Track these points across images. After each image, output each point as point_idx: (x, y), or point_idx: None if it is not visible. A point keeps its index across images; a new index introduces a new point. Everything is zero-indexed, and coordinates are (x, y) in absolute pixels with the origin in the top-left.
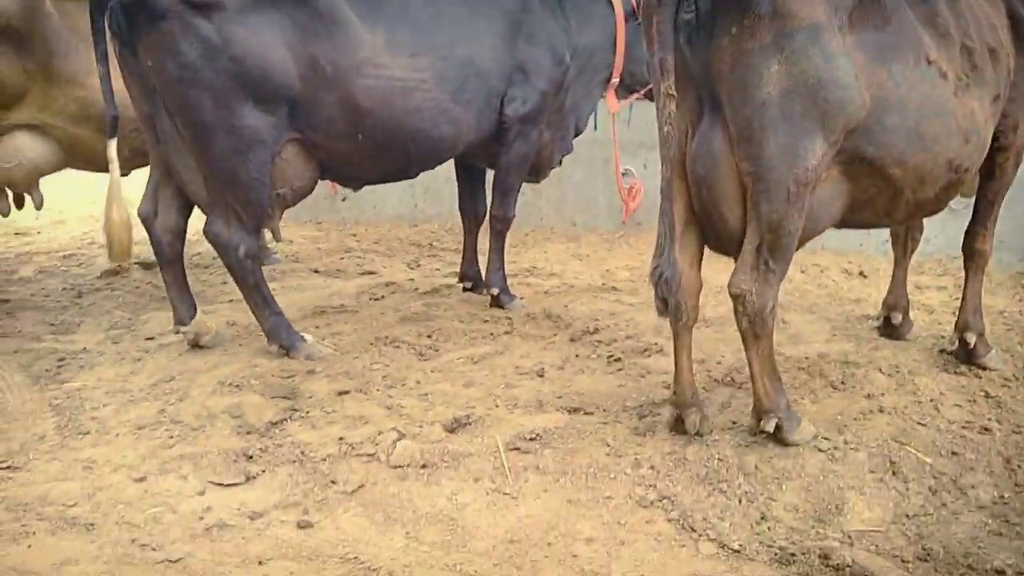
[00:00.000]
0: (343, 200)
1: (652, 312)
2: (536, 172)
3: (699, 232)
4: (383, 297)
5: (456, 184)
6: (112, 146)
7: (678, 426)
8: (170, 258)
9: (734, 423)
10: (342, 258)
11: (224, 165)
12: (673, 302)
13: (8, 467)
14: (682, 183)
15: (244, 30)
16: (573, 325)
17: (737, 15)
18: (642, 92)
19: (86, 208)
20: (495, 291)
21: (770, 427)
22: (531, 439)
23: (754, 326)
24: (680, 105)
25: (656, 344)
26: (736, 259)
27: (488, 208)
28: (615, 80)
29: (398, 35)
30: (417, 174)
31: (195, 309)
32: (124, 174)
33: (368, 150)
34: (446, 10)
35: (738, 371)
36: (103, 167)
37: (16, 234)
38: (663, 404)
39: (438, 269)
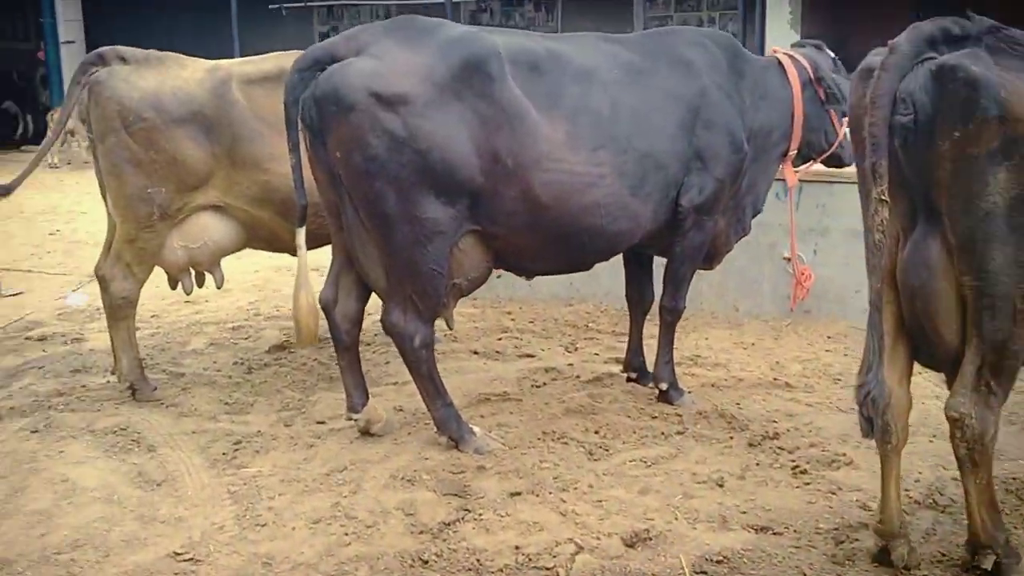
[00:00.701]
0: (498, 276)
1: (834, 416)
2: (710, 259)
3: (909, 347)
4: (545, 384)
5: (614, 266)
6: (301, 234)
7: (883, 557)
8: (347, 345)
9: (943, 555)
10: (500, 338)
11: (404, 255)
12: (880, 423)
13: (190, 559)
14: (892, 294)
15: (430, 123)
16: (749, 427)
17: (960, 118)
18: (819, 159)
19: (248, 278)
20: (664, 386)
21: (988, 564)
22: (718, 561)
23: (973, 453)
24: (892, 211)
25: (844, 455)
26: (951, 377)
27: (656, 296)
28: (792, 152)
29: (578, 129)
30: (592, 266)
31: (367, 396)
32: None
33: (545, 243)
34: (625, 100)
35: (939, 492)
36: (280, 247)
37: (186, 302)
38: (862, 530)
39: (597, 354)
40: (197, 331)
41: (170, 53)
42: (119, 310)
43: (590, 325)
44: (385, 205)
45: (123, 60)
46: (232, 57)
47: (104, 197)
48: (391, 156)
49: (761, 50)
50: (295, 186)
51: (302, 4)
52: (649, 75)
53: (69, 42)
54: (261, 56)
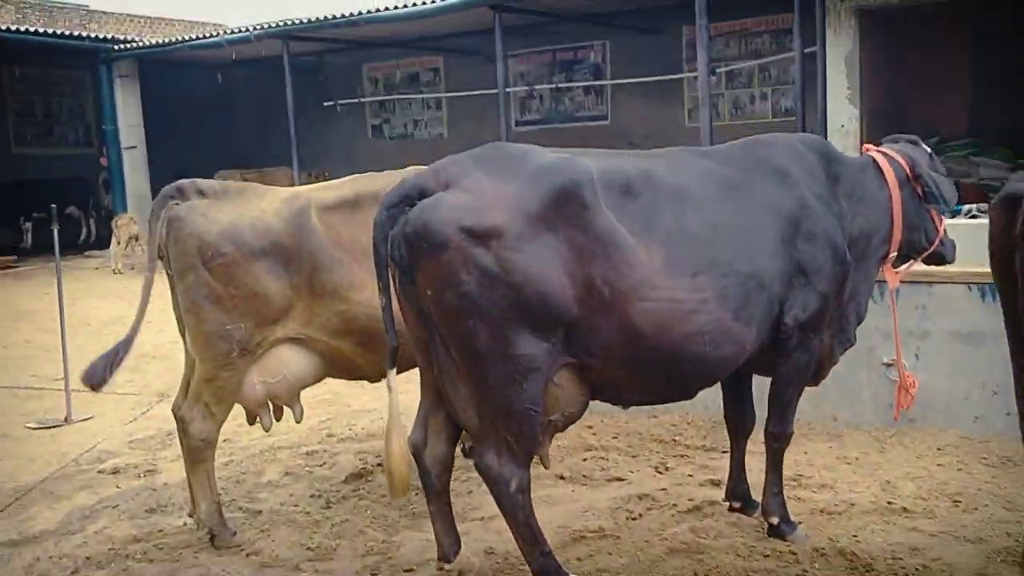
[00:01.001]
0: None
1: (961, 548)
2: (816, 375)
3: None
4: (640, 516)
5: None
6: (392, 376)
7: None
8: (438, 490)
9: None
10: (585, 459)
11: (498, 395)
12: None
13: None
14: None
15: (523, 257)
16: (873, 567)
17: None
18: (919, 258)
19: (317, 392)
20: (774, 519)
21: None
22: None
23: None
24: None
25: None
26: None
27: (757, 417)
28: (893, 254)
29: (676, 253)
30: (696, 395)
31: (459, 543)
32: (376, 380)
33: (646, 374)
34: (722, 219)
35: None
36: (360, 376)
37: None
38: None
39: (691, 475)
40: (271, 458)
41: (248, 184)
42: (198, 452)
43: (677, 439)
44: (478, 343)
45: (201, 193)
46: (290, 153)
47: (183, 335)
48: (484, 292)
49: (824, 129)
50: (386, 327)
51: (356, 100)
52: (745, 190)
53: (131, 147)
54: (339, 181)
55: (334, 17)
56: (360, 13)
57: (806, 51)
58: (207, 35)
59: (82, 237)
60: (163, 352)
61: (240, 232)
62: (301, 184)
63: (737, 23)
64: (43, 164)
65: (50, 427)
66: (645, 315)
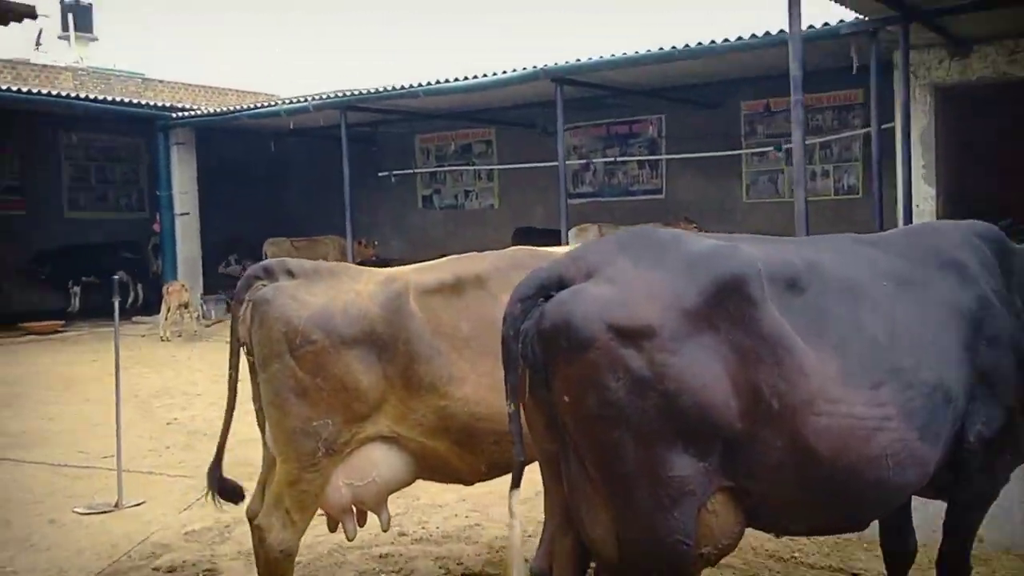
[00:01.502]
0: None
1: None
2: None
3: None
4: None
5: None
6: (514, 498)
7: None
8: None
9: None
10: None
11: (643, 522)
12: None
13: None
14: None
15: (679, 360)
16: None
17: None
18: None
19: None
20: None
21: None
22: None
23: None
24: None
25: None
26: None
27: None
28: None
29: (853, 359)
30: (867, 525)
31: None
32: (470, 482)
33: (815, 500)
34: (901, 320)
35: None
36: (454, 480)
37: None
38: None
39: None
40: (340, 559)
41: (340, 264)
42: (275, 566)
43: (797, 556)
44: (622, 460)
45: (290, 273)
46: (338, 221)
47: (261, 429)
48: (632, 401)
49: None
50: (514, 439)
51: (411, 171)
52: (921, 286)
53: (184, 214)
54: (436, 262)
55: (392, 88)
56: (419, 85)
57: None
58: (259, 104)
59: (130, 302)
60: (216, 428)
61: (331, 317)
62: (352, 252)
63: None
64: (94, 228)
65: (100, 512)
66: (821, 433)
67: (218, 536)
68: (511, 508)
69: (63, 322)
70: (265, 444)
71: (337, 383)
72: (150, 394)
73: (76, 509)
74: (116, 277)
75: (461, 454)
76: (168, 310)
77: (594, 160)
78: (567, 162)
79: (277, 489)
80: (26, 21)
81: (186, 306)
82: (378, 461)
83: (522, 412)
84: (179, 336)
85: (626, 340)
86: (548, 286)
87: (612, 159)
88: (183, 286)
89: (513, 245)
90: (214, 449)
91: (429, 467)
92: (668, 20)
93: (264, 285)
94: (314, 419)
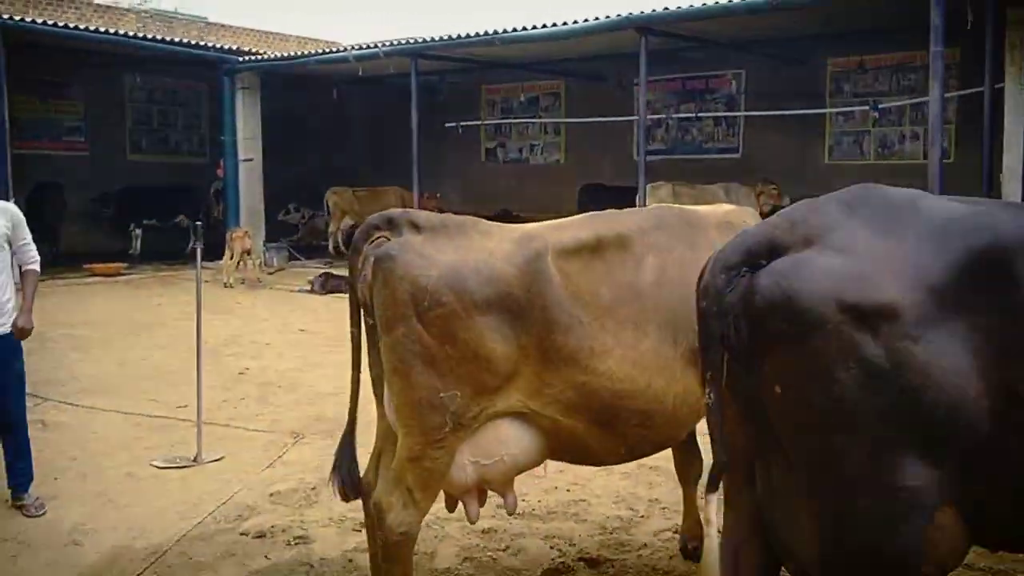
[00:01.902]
0: None
1: None
2: None
3: None
4: None
5: None
6: (713, 504)
7: None
8: None
9: None
10: None
11: (864, 537)
12: None
13: None
14: None
15: (924, 349)
16: None
17: None
18: None
19: None
20: None
21: None
22: None
23: None
24: None
25: None
26: None
27: None
28: None
29: None
30: None
31: None
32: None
33: None
34: None
35: None
36: (589, 462)
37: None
38: None
39: None
40: (440, 533)
41: (469, 218)
42: (395, 549)
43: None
44: (843, 465)
45: (415, 227)
46: (399, 171)
47: (378, 397)
48: (864, 396)
49: (988, 172)
50: (712, 435)
51: (479, 122)
52: None
53: (248, 159)
54: (572, 219)
55: (467, 36)
56: (495, 32)
57: (970, 91)
58: (322, 51)
59: (189, 247)
60: (289, 381)
61: (463, 278)
62: (418, 204)
63: (888, 56)
64: (156, 171)
65: (179, 467)
66: None
67: (304, 499)
68: (709, 516)
69: (126, 264)
70: (381, 414)
71: (468, 351)
72: (218, 342)
73: (154, 462)
74: (198, 223)
75: (600, 435)
76: (231, 257)
77: (672, 116)
78: (653, 116)
79: (398, 465)
80: None
81: (248, 252)
82: (507, 439)
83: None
84: (242, 283)
85: (862, 323)
86: (757, 253)
87: (693, 115)
88: (246, 232)
89: (580, 202)
90: (290, 404)
91: (562, 447)
92: None
93: (386, 238)
94: (442, 390)
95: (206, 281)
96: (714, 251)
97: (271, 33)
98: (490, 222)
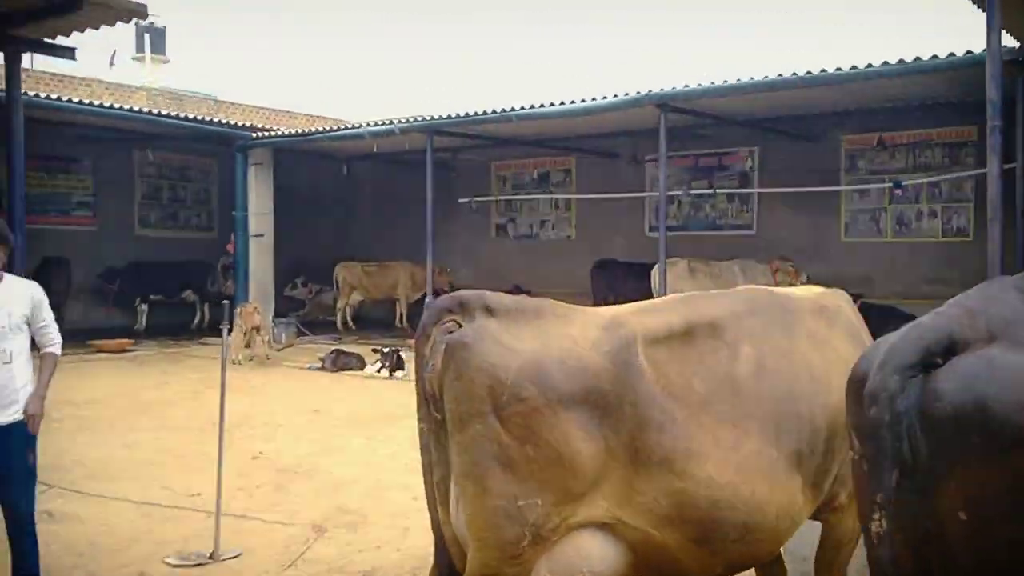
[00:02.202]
0: None
1: None
2: None
3: None
4: None
5: None
6: None
7: None
8: None
9: None
10: None
11: None
12: None
13: None
14: None
15: None
16: None
17: None
18: None
19: None
20: None
21: None
22: None
23: None
24: None
25: None
26: None
27: None
28: None
29: None
30: None
31: None
32: None
33: None
34: None
35: None
36: None
37: None
38: None
39: None
40: None
41: (545, 300)
42: None
43: None
44: None
45: (489, 311)
46: (409, 248)
47: (443, 503)
48: None
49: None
50: (881, 569)
51: (492, 198)
52: None
53: (259, 235)
54: (658, 302)
55: (484, 112)
56: (512, 109)
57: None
58: (335, 127)
59: (195, 322)
60: (307, 467)
61: (547, 370)
62: (432, 280)
63: (906, 134)
64: (163, 247)
65: (195, 564)
66: None
67: None
68: None
69: (133, 340)
70: (443, 521)
71: (551, 452)
72: (230, 423)
73: (168, 560)
74: (226, 301)
75: (695, 550)
76: (242, 333)
77: (689, 192)
78: (672, 193)
79: None
80: (102, 42)
81: (258, 329)
82: (591, 553)
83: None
84: (251, 360)
85: None
86: (934, 350)
87: (711, 190)
88: (256, 308)
89: (594, 278)
90: (309, 493)
91: (650, 563)
92: (735, 49)
93: (457, 323)
94: (520, 497)
95: (213, 358)
96: (821, 340)
97: (280, 111)
98: (567, 305)
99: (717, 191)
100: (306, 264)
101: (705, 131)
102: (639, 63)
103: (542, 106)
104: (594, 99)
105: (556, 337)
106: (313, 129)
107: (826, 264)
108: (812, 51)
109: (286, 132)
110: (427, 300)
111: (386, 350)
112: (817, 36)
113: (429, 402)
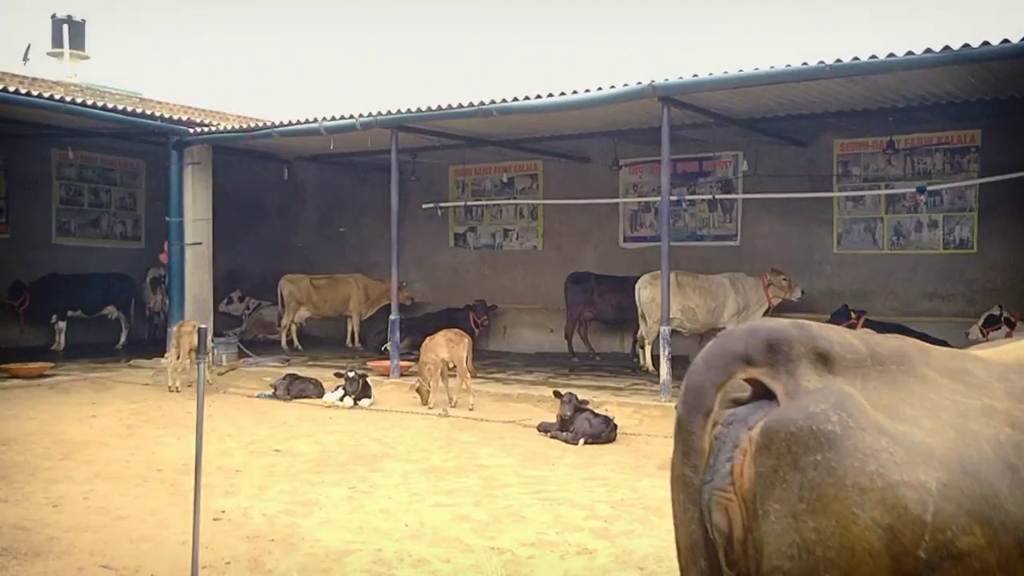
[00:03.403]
0: None
1: None
2: None
3: None
4: None
5: None
6: None
7: None
8: None
9: None
10: None
11: None
12: None
13: None
14: None
15: None
16: None
17: None
18: None
19: None
20: None
21: None
22: None
23: None
24: None
25: None
26: None
27: None
28: None
29: None
30: None
31: None
32: None
33: None
34: None
35: None
36: None
37: None
38: None
39: None
40: None
41: (907, 340)
42: None
43: None
44: None
45: (825, 360)
46: (357, 258)
47: None
48: None
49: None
50: None
51: (461, 204)
52: None
53: (196, 243)
54: (1012, 347)
55: (460, 106)
56: (492, 101)
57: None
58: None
59: (120, 342)
60: (283, 532)
61: (991, 490)
62: (397, 296)
63: (916, 137)
64: (85, 257)
65: None
66: None
67: None
68: None
69: (52, 364)
70: None
71: None
72: (176, 468)
73: None
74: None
75: None
76: (177, 356)
77: (687, 197)
78: (685, 197)
79: None
80: (16, 34)
81: (192, 351)
82: None
83: None
84: (189, 386)
85: None
86: None
87: (714, 196)
88: (195, 326)
89: (569, 292)
90: (295, 567)
91: None
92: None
93: (761, 385)
94: None
95: (146, 384)
96: None
97: (210, 111)
98: (942, 348)
99: (717, 197)
100: (243, 277)
101: (687, 133)
102: (626, 59)
103: (527, 98)
104: (587, 91)
105: (967, 414)
106: (262, 124)
107: (817, 278)
108: (799, 43)
109: (229, 127)
110: (392, 318)
111: (351, 374)
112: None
113: (713, 547)
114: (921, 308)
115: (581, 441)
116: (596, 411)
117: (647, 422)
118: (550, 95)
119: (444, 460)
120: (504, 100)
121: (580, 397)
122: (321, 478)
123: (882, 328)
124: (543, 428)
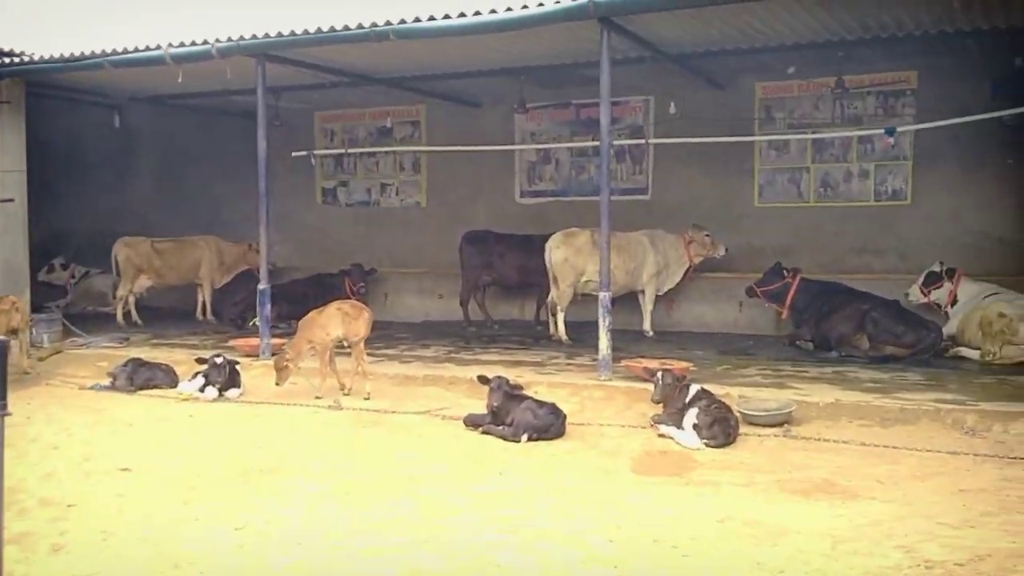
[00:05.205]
0: None
1: None
2: None
3: None
4: None
5: None
6: None
7: None
8: None
9: None
10: None
11: None
12: None
13: None
14: None
15: None
16: None
17: None
18: None
19: None
20: None
21: None
22: None
23: None
24: None
25: None
26: None
27: None
28: None
29: None
30: None
31: None
32: None
33: None
34: None
35: None
36: None
37: None
38: None
39: None
40: None
41: None
42: None
43: None
44: None
45: None
46: (203, 218)
47: None
48: None
49: None
50: None
51: (342, 151)
52: None
53: (7, 200)
54: None
55: (346, 28)
56: (387, 23)
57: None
58: (113, 51)
59: None
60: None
61: None
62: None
63: (832, 79)
64: None
65: None
66: None
67: None
68: None
69: None
70: None
71: None
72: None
73: None
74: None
75: None
76: None
77: (623, 141)
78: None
79: None
80: None
81: (16, 332)
82: None
83: None
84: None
85: None
86: None
87: (647, 140)
88: (14, 303)
89: (464, 253)
90: None
91: None
92: None
93: None
94: None
95: None
96: None
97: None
98: None
99: (649, 142)
100: (67, 240)
101: (587, 71)
102: None
103: (432, 18)
104: (511, 8)
105: None
106: (90, 52)
107: (737, 233)
108: None
109: (50, 55)
110: (260, 287)
111: (219, 360)
112: None
113: None
114: (850, 265)
115: (524, 437)
116: (538, 399)
117: (590, 406)
118: (462, 15)
119: (356, 473)
120: (403, 21)
121: (511, 381)
122: (193, 512)
123: (819, 286)
124: (472, 422)
